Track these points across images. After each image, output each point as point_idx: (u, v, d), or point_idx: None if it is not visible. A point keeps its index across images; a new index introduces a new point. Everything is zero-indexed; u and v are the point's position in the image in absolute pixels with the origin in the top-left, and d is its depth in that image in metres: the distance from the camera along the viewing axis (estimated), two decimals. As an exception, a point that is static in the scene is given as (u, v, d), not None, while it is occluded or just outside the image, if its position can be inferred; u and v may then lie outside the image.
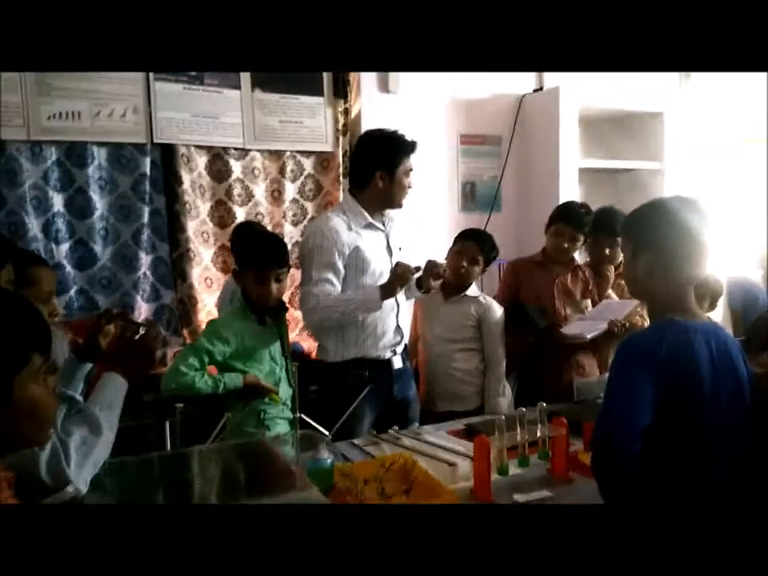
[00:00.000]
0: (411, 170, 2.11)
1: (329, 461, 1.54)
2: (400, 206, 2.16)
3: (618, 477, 1.14)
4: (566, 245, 2.46)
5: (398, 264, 2.01)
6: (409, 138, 2.12)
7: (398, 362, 2.17)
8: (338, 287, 2.05)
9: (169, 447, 2.29)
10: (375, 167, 2.10)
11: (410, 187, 2.13)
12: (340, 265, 2.04)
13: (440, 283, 2.18)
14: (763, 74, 3.84)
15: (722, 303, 2.44)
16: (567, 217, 2.46)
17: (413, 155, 2.12)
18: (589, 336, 2.32)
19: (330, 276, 2.03)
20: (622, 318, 2.28)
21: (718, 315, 2.42)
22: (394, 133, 2.13)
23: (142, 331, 1.32)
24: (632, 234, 1.30)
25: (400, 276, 1.99)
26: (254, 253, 1.95)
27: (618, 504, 1.17)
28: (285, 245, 2.02)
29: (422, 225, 3.04)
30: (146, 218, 2.70)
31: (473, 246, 2.33)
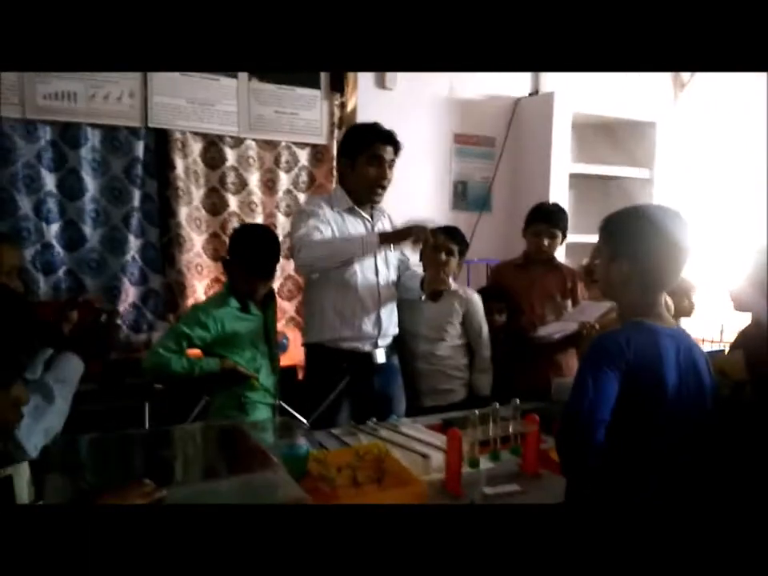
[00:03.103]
0: (383, 159, 2.06)
1: (303, 448, 1.57)
2: (370, 197, 2.11)
3: (582, 465, 1.18)
4: (546, 242, 2.53)
5: (415, 226, 1.98)
6: (387, 128, 2.09)
7: (380, 356, 2.19)
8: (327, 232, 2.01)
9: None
10: (341, 155, 2.14)
11: (383, 178, 2.08)
12: (327, 220, 2.03)
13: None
14: (758, 88, 3.90)
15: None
16: (544, 216, 2.54)
17: (388, 146, 2.07)
18: (556, 336, 2.37)
19: (318, 224, 2.01)
20: (593, 320, 2.32)
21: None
22: (366, 124, 2.14)
23: (102, 317, 1.34)
24: (610, 236, 1.33)
25: (407, 231, 1.98)
26: (244, 255, 1.98)
27: (581, 491, 1.20)
28: (277, 251, 2.04)
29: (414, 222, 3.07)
30: (137, 202, 2.70)
31: (445, 238, 2.37)
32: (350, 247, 1.98)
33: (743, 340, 1.69)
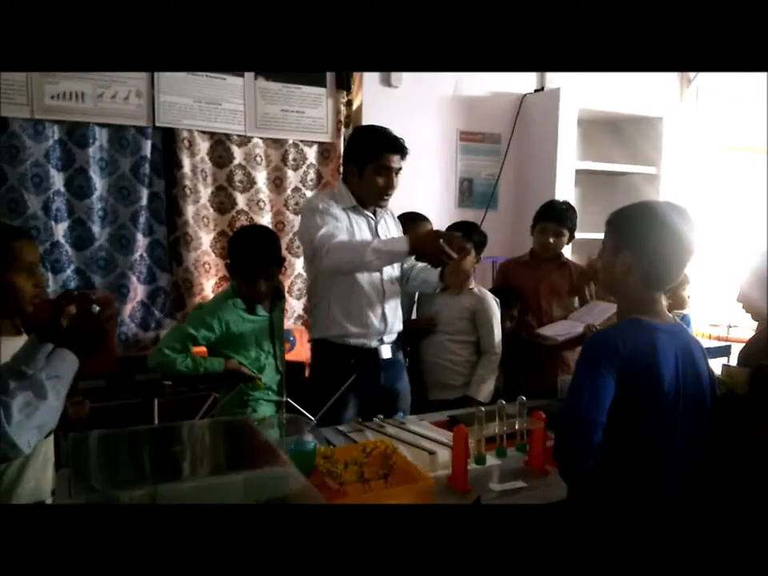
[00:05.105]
0: (391, 169, 2.05)
1: (311, 444, 1.58)
2: (375, 203, 2.12)
3: (581, 468, 1.18)
4: (551, 240, 2.52)
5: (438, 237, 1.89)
6: (396, 135, 2.08)
7: (386, 352, 2.19)
8: (343, 232, 2.01)
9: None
10: (348, 160, 2.13)
11: (389, 186, 2.07)
12: (339, 218, 2.03)
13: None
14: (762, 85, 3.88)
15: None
16: (550, 214, 2.53)
17: (396, 155, 2.05)
18: (561, 339, 2.37)
19: (336, 222, 2.01)
20: (599, 322, 2.32)
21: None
22: (374, 129, 2.11)
23: (95, 310, 1.32)
24: (616, 229, 1.32)
25: (431, 245, 1.88)
26: (242, 260, 1.98)
27: (578, 493, 1.21)
28: (276, 252, 2.03)
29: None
30: (144, 201, 2.72)
31: (461, 237, 2.37)
32: (379, 260, 1.93)
33: (750, 352, 1.69)
